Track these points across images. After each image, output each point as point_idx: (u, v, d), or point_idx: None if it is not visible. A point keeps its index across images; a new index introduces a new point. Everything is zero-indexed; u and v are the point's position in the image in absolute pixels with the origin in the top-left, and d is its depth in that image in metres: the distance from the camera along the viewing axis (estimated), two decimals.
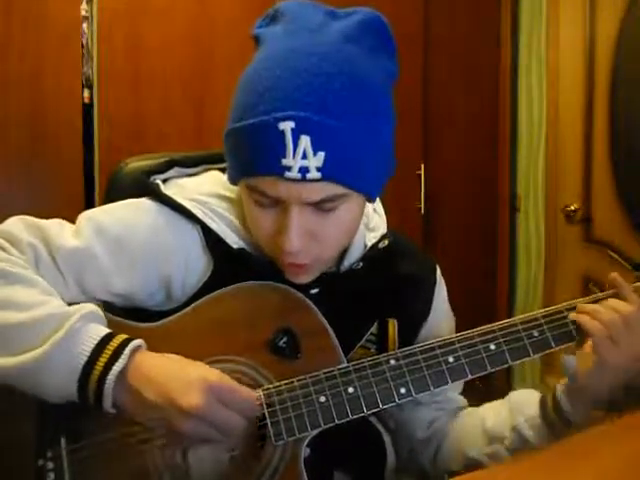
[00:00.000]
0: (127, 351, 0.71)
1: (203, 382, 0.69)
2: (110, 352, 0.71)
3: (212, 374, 0.71)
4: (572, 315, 0.83)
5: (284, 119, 0.69)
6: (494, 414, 0.92)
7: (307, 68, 0.71)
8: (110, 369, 0.70)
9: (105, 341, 0.72)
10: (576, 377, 0.83)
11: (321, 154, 0.70)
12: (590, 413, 0.84)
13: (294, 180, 0.71)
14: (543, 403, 0.87)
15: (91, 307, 0.75)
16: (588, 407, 0.83)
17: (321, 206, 0.75)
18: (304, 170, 0.70)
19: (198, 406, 0.68)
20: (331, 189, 0.73)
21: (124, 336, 0.73)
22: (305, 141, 0.70)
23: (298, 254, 0.77)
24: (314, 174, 0.71)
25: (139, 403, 0.70)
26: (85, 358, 0.70)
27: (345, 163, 0.72)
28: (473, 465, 0.91)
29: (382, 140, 0.77)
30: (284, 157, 0.70)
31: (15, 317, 0.71)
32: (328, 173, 0.71)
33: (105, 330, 0.73)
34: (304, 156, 0.70)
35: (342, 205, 0.76)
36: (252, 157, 0.73)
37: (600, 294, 0.86)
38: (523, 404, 0.89)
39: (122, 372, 0.70)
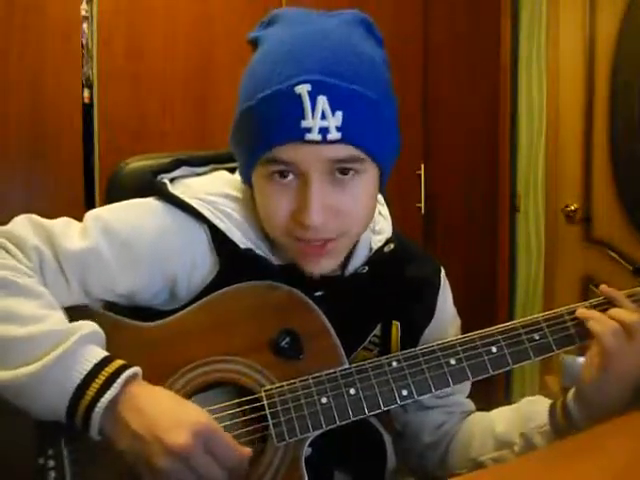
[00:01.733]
0: (121, 380, 0.69)
1: (192, 423, 0.67)
2: (104, 379, 0.69)
3: (202, 417, 0.69)
4: (579, 312, 0.82)
5: (299, 83, 0.71)
6: (504, 420, 0.91)
7: (314, 43, 0.74)
8: (101, 397, 0.68)
9: (101, 366, 0.70)
10: (579, 382, 0.83)
11: (339, 113, 0.71)
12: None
13: (315, 143, 0.72)
14: (552, 411, 0.87)
15: (92, 327, 0.73)
16: (596, 415, 0.81)
17: (341, 169, 0.75)
18: (324, 131, 0.71)
19: (182, 446, 0.65)
20: (350, 151, 0.74)
21: (120, 362, 0.71)
22: (323, 101, 0.71)
23: (319, 228, 0.76)
24: (334, 134, 0.72)
25: (125, 434, 0.68)
26: (78, 381, 0.68)
27: (362, 125, 0.74)
28: (480, 469, 0.90)
29: (389, 111, 0.79)
30: (303, 119, 0.71)
31: (14, 331, 0.69)
32: (347, 133, 0.72)
33: (102, 354, 0.71)
34: (323, 116, 0.71)
35: (358, 177, 0.77)
36: (270, 127, 0.74)
37: (594, 300, 0.86)
38: (533, 411, 0.88)
39: (113, 401, 0.68)
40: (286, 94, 0.72)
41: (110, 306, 0.84)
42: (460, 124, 2.71)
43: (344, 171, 0.76)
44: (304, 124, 0.71)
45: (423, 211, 2.64)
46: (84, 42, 2.17)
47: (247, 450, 0.71)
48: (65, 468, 0.75)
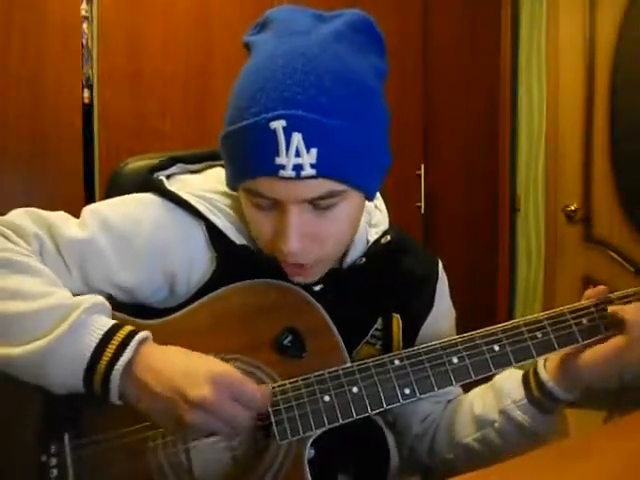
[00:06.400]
0: (134, 343, 0.71)
1: (211, 374, 0.69)
2: (117, 344, 0.70)
3: (220, 366, 0.71)
4: (612, 309, 0.82)
5: (275, 118, 0.70)
6: (481, 399, 0.92)
7: (297, 68, 0.72)
8: (117, 361, 0.69)
9: (112, 332, 0.71)
10: (577, 362, 0.82)
11: (314, 151, 0.70)
12: (579, 391, 0.84)
13: (289, 179, 0.71)
14: (526, 383, 0.87)
15: (98, 299, 0.75)
16: (578, 387, 0.83)
17: (319, 204, 0.75)
18: (298, 168, 0.70)
19: (207, 398, 0.67)
20: (327, 186, 0.73)
21: (130, 327, 0.73)
22: (297, 138, 0.70)
23: (298, 255, 0.77)
24: (308, 171, 0.71)
25: (145, 395, 0.70)
26: (91, 350, 0.70)
27: (339, 159, 0.72)
28: (466, 452, 0.91)
29: (375, 135, 0.77)
30: (277, 156, 0.70)
31: (20, 307, 0.71)
32: (322, 169, 0.71)
33: (111, 322, 0.73)
34: (297, 154, 0.70)
35: (340, 203, 0.76)
36: (246, 159, 0.74)
37: (595, 300, 0.86)
38: (507, 387, 0.89)
39: (129, 364, 0.70)
40: (261, 128, 0.70)
41: (111, 304, 0.84)
42: (460, 124, 2.71)
43: (323, 204, 0.75)
44: (278, 161, 0.70)
45: (423, 211, 2.64)
46: (84, 42, 2.16)
47: (266, 388, 0.74)
48: (67, 466, 0.75)
